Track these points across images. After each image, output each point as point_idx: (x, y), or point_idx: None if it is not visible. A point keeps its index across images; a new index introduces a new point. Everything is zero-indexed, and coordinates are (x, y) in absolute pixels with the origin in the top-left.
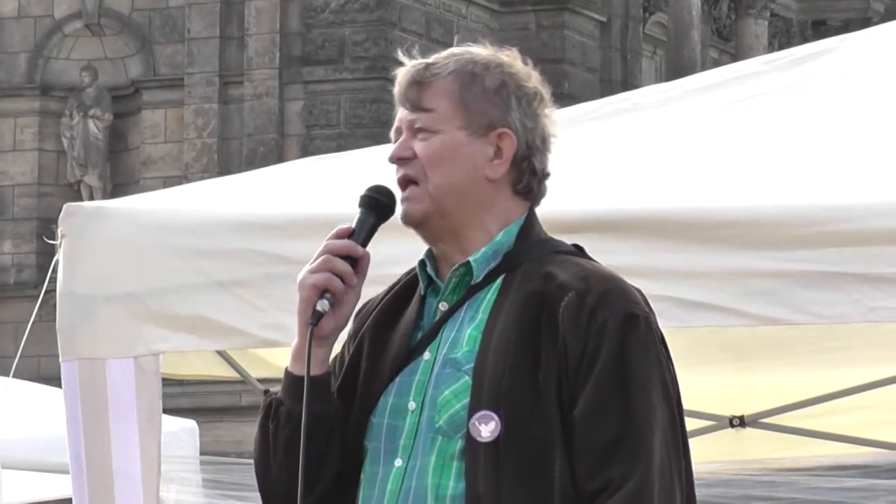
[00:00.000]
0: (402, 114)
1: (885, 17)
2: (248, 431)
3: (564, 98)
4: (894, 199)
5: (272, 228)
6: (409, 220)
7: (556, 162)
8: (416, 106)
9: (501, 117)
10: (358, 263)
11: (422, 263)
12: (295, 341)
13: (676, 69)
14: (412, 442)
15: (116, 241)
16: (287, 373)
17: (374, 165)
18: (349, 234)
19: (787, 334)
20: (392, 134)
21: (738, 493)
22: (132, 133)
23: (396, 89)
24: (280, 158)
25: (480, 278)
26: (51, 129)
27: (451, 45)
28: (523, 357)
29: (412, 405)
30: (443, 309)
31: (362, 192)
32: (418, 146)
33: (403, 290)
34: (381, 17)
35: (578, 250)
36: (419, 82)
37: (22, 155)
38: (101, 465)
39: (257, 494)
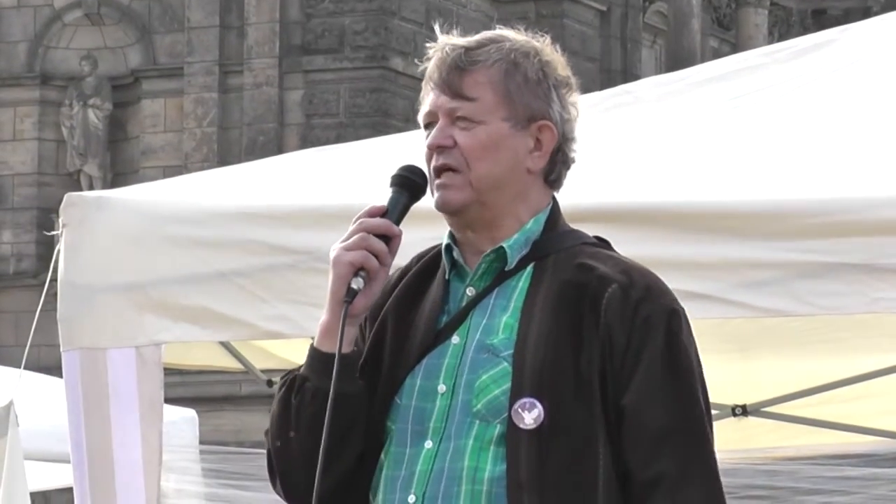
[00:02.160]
0: (438, 99)
1: (886, 7)
2: (248, 421)
3: None
4: None
5: (274, 219)
6: (446, 207)
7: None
8: (457, 94)
9: (543, 110)
10: (390, 242)
11: (448, 248)
12: (323, 318)
13: (676, 58)
14: (443, 424)
15: (117, 231)
16: (313, 349)
17: (374, 156)
18: (382, 213)
19: (790, 324)
20: (422, 117)
21: (740, 482)
22: (132, 122)
23: (433, 72)
24: (280, 148)
25: (513, 265)
26: (50, 118)
27: (451, 35)
28: (565, 346)
29: (442, 388)
30: (470, 294)
31: (394, 171)
32: (460, 136)
33: (423, 272)
34: (381, 6)
35: (603, 242)
36: (461, 68)
37: (22, 144)
38: (102, 455)
39: (257, 484)
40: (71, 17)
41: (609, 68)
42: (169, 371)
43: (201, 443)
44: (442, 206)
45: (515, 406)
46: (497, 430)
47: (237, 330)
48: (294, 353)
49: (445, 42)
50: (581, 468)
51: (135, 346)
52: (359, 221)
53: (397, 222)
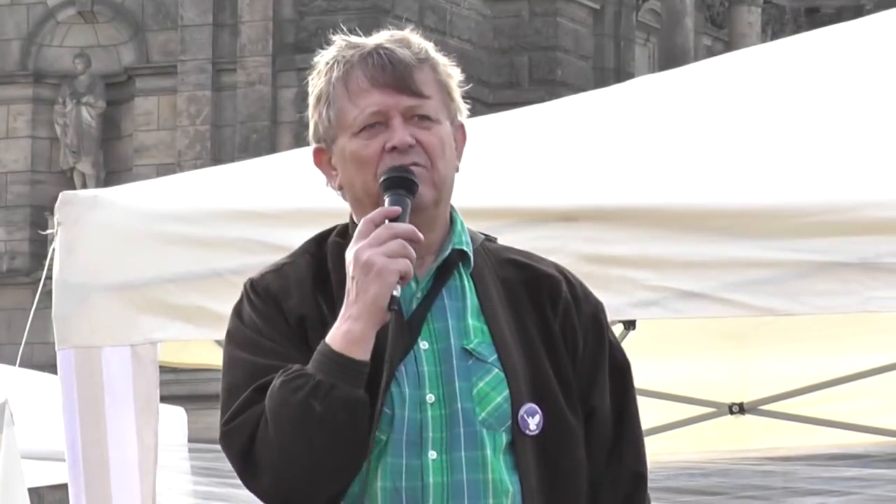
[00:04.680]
0: (390, 98)
1: (878, 5)
2: None
3: (557, 85)
4: (890, 188)
5: (269, 217)
6: (420, 205)
7: (554, 152)
8: (414, 92)
9: (459, 110)
10: None
11: None
12: (351, 325)
13: (669, 56)
14: (443, 434)
15: (113, 230)
16: (342, 356)
17: None
18: (396, 217)
19: (788, 321)
20: (365, 117)
21: (735, 482)
22: (125, 120)
23: (374, 72)
24: (273, 146)
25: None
26: (44, 116)
27: (444, 33)
28: (539, 349)
29: (430, 397)
30: (419, 297)
31: (388, 174)
32: (421, 134)
33: (341, 270)
34: (375, 4)
35: (491, 238)
36: (411, 66)
37: (15, 142)
38: (96, 453)
39: None
40: (64, 15)
41: (602, 66)
42: (162, 369)
43: (193, 441)
44: (415, 204)
45: (521, 412)
46: (504, 438)
47: None
48: None
49: (372, 42)
50: (578, 472)
51: (130, 345)
52: (388, 226)
53: None
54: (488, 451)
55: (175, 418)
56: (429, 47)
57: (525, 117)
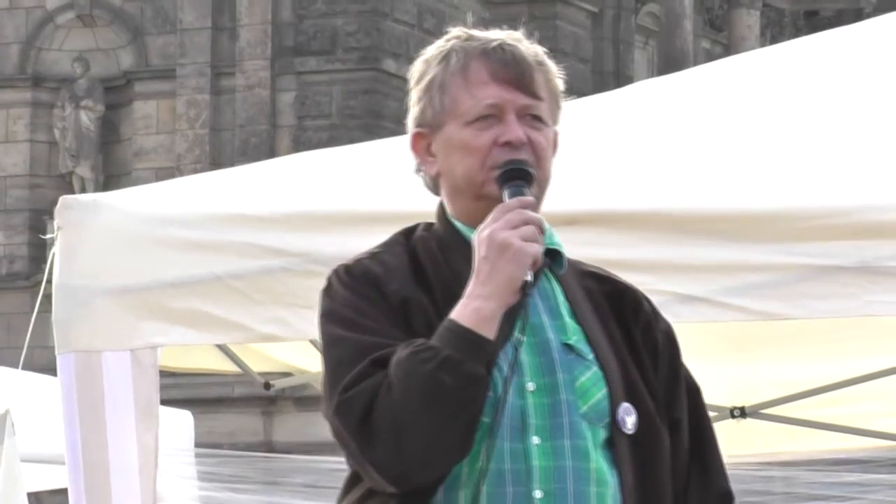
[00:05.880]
0: (508, 93)
1: (878, 8)
2: (241, 422)
3: None
4: (889, 192)
5: (269, 222)
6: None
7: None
8: (531, 92)
9: (559, 118)
10: None
11: None
12: (483, 303)
13: (669, 60)
14: (546, 422)
15: (113, 234)
16: (469, 332)
17: (366, 160)
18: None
19: (788, 325)
20: (482, 108)
21: (736, 487)
22: (124, 124)
23: (505, 68)
24: (272, 149)
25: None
26: (43, 120)
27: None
28: (628, 355)
29: (531, 385)
30: None
31: (506, 166)
32: (533, 134)
33: (440, 262)
34: (374, 7)
35: None
36: (531, 66)
37: (14, 146)
38: (97, 457)
39: (252, 486)
40: (63, 19)
41: (601, 70)
42: (162, 373)
43: (195, 445)
44: (518, 202)
45: (619, 411)
46: (602, 434)
47: (233, 333)
48: (290, 355)
49: (494, 36)
50: (667, 480)
51: (130, 349)
52: (521, 212)
53: None
54: (589, 443)
55: (182, 422)
56: (541, 51)
57: None
